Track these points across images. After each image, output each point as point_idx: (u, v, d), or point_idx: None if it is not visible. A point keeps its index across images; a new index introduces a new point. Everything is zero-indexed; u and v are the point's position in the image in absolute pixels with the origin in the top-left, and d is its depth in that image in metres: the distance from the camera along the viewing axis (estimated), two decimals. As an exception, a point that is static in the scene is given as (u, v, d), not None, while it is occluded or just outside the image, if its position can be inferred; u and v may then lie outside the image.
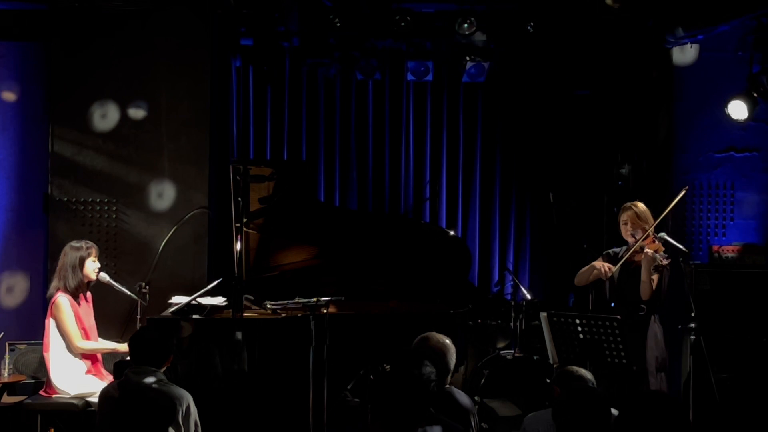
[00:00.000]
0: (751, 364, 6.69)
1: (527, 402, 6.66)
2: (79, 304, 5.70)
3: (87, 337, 5.69)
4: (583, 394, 3.78)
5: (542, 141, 8.28)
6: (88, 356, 5.68)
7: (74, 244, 5.77)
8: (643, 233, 5.54)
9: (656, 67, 7.49)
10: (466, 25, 7.07)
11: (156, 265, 6.72)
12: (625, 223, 5.68)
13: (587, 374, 4.27)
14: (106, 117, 6.86)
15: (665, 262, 5.42)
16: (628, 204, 5.73)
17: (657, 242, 5.53)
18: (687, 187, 5.90)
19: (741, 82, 7.00)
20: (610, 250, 5.84)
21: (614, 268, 5.60)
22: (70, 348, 5.59)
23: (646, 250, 5.47)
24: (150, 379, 4.44)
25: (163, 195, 6.87)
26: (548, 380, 6.22)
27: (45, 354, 5.63)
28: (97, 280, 5.80)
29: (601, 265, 5.66)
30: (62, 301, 5.60)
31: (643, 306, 5.55)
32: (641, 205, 5.70)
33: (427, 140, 8.34)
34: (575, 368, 4.32)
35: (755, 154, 7.42)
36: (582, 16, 7.22)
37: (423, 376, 3.67)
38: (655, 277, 5.49)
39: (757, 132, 7.37)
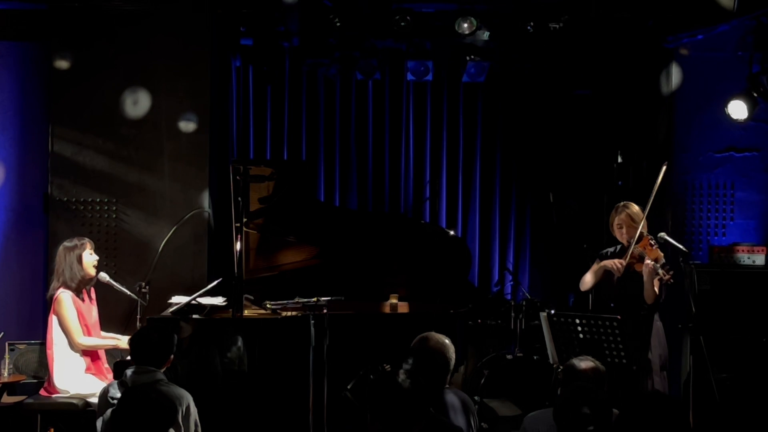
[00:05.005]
0: (751, 364, 6.69)
1: (527, 402, 6.65)
2: (82, 300, 5.71)
3: (89, 333, 5.69)
4: (583, 394, 3.77)
5: (542, 141, 8.28)
6: (89, 353, 5.68)
7: (67, 243, 5.76)
8: (638, 235, 5.51)
9: (656, 67, 7.49)
10: (465, 25, 7.08)
11: (156, 265, 6.72)
12: (620, 227, 5.65)
13: (593, 363, 4.25)
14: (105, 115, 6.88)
15: (667, 277, 5.35)
16: (621, 205, 5.69)
17: (655, 247, 5.49)
18: (666, 163, 5.86)
19: (741, 82, 7.00)
20: (604, 251, 5.84)
21: (625, 263, 5.57)
22: (72, 344, 5.60)
23: (647, 261, 5.42)
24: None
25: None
26: (559, 371, 6.21)
27: (48, 351, 5.64)
28: (97, 279, 5.81)
29: (612, 263, 5.63)
30: (64, 296, 5.61)
31: (644, 305, 5.55)
32: (635, 207, 5.66)
33: (427, 140, 8.34)
34: (579, 362, 4.29)
35: (755, 154, 7.42)
36: (582, 16, 7.21)
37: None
38: (656, 280, 5.48)
39: (757, 132, 7.36)
